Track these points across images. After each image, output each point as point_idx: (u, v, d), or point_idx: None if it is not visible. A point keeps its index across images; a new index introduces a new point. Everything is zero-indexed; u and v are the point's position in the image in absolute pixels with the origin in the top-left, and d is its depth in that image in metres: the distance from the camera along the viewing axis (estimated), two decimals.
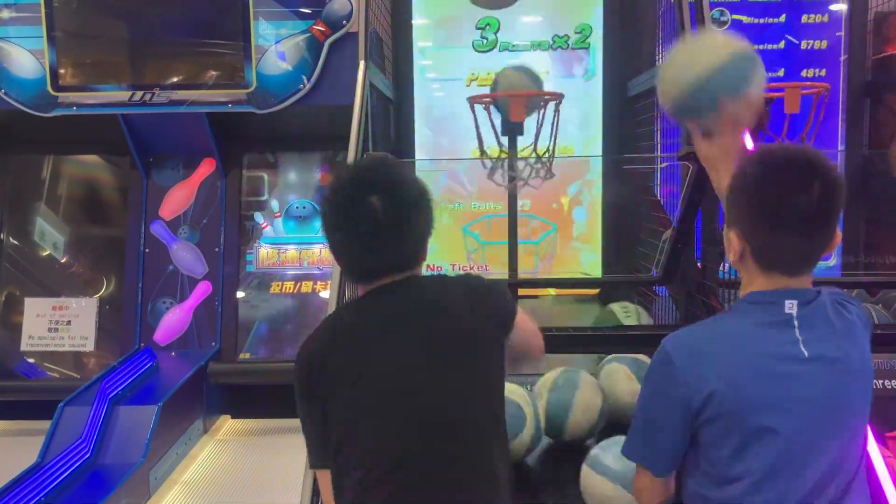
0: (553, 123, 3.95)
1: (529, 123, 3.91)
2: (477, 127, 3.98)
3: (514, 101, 3.81)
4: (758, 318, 1.50)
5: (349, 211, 1.61)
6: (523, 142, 3.99)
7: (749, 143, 3.03)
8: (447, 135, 5.16)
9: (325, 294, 4.69)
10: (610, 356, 2.99)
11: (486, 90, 4.28)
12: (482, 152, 4.03)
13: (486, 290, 1.71)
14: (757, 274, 1.53)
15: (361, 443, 1.59)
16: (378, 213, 1.58)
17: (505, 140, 3.98)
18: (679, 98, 1.84)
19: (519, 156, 3.97)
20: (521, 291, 4.53)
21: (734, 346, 1.50)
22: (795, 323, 1.48)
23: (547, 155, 3.97)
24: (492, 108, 3.95)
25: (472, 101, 4.02)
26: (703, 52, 1.83)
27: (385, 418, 1.58)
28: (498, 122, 3.94)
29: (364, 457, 1.59)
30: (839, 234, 1.52)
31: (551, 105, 3.95)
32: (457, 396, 1.58)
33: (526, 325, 1.77)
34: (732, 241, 1.54)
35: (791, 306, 1.49)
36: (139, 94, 4.49)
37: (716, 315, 1.65)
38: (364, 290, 1.70)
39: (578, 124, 5.12)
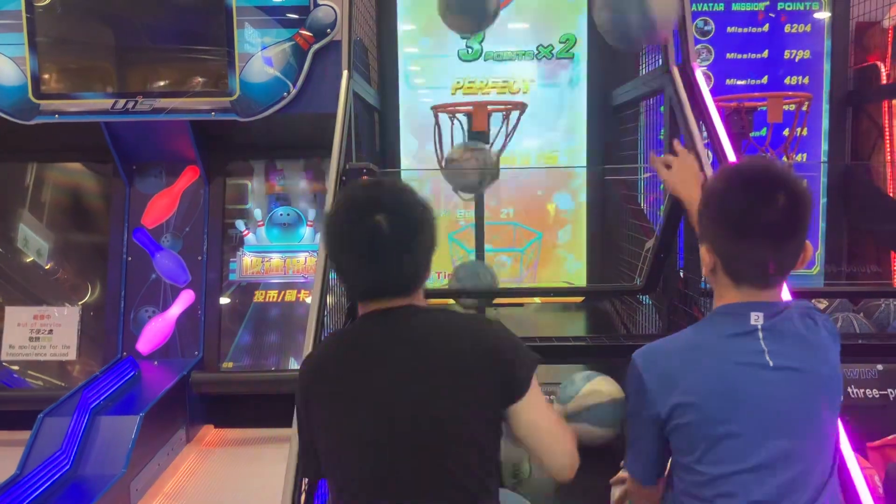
0: (512, 128, 4.08)
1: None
2: (438, 135, 4.07)
3: (478, 111, 3.94)
4: (724, 330, 1.54)
5: (353, 230, 1.61)
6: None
7: (731, 156, 3.05)
8: (432, 143, 5.16)
9: (310, 302, 4.66)
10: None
11: (472, 98, 4.33)
12: (440, 160, 4.09)
13: (499, 342, 1.63)
14: (728, 287, 1.57)
15: (341, 466, 1.60)
16: (382, 233, 1.58)
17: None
18: None
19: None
20: (505, 300, 4.55)
21: (698, 358, 1.54)
22: (760, 335, 1.51)
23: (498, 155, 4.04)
24: (458, 117, 4.09)
25: (437, 110, 4.08)
26: None
27: (362, 444, 1.57)
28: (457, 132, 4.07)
29: (341, 481, 1.60)
30: (810, 246, 1.56)
31: (514, 114, 4.07)
32: (437, 430, 1.55)
33: (543, 411, 1.64)
34: (703, 256, 1.59)
35: (757, 318, 1.52)
36: (122, 101, 4.47)
37: (688, 327, 1.68)
38: (364, 309, 1.69)
39: (563, 133, 5.14)
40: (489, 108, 4.04)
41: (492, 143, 4.06)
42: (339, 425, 1.60)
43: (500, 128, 4.06)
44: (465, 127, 4.07)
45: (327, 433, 1.62)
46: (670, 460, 1.61)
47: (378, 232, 1.57)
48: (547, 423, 1.64)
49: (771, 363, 1.50)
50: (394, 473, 1.55)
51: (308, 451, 1.72)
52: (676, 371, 1.53)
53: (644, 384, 1.55)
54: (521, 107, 4.09)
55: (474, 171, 3.82)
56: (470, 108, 4.04)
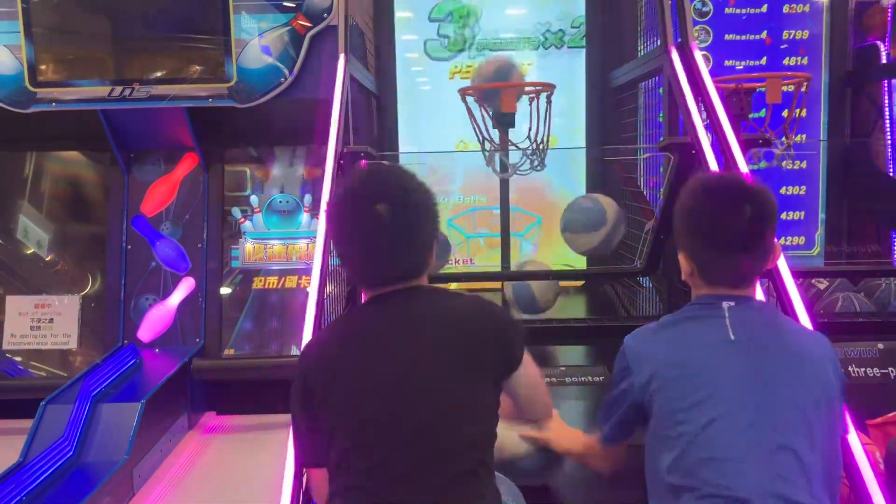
0: (546, 114, 3.97)
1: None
2: (473, 119, 4.00)
3: (506, 93, 3.84)
4: (692, 314, 1.72)
5: (356, 219, 1.62)
6: (513, 133, 4.01)
7: (731, 137, 3.04)
8: (431, 127, 5.15)
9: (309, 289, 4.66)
10: None
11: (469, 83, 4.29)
12: (482, 143, 4.03)
13: (498, 320, 1.71)
14: (705, 289, 1.73)
15: (341, 444, 1.60)
16: (385, 221, 1.58)
17: (495, 133, 4.01)
18: None
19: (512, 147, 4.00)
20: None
21: (669, 339, 1.71)
22: (726, 313, 1.66)
23: (542, 145, 3.99)
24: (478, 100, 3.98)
25: (464, 92, 4.01)
26: None
27: (363, 422, 1.58)
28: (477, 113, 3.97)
29: (342, 459, 1.60)
30: (778, 246, 1.73)
31: (542, 96, 3.97)
32: (442, 407, 1.57)
33: (534, 381, 1.82)
34: (682, 262, 1.77)
35: (728, 306, 1.67)
36: (119, 89, 4.45)
37: (670, 314, 1.83)
38: (368, 294, 1.70)
39: (562, 115, 5.12)
40: (520, 89, 3.96)
41: (534, 133, 3.98)
42: (341, 406, 1.61)
43: (534, 109, 3.95)
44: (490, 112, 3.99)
45: (329, 414, 1.62)
46: (648, 444, 1.70)
47: (380, 221, 1.58)
48: (535, 379, 1.83)
49: (732, 336, 1.63)
50: (396, 450, 1.55)
51: (305, 436, 1.72)
52: (650, 348, 1.70)
53: (627, 362, 1.72)
54: (550, 88, 3.99)
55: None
56: (498, 89, 3.91)
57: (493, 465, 1.67)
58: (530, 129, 3.95)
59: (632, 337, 1.77)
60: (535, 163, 3.98)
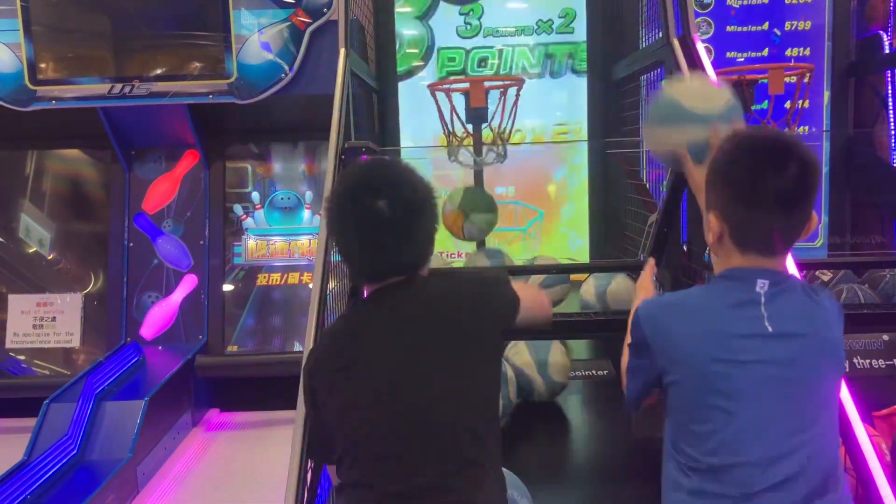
0: (512, 107, 4.03)
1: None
2: (441, 113, 4.05)
3: (475, 88, 3.90)
4: (726, 294, 1.56)
5: (355, 214, 1.61)
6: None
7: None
8: (434, 122, 5.13)
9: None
10: None
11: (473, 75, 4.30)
12: (448, 137, 4.07)
13: (494, 285, 1.74)
14: (735, 255, 1.58)
15: (345, 439, 1.61)
16: (385, 215, 1.57)
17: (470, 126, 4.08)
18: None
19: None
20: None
21: (700, 321, 1.55)
22: (762, 300, 1.52)
23: (505, 136, 4.04)
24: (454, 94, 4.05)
25: (433, 88, 4.05)
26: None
27: (369, 413, 1.58)
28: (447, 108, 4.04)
29: (346, 453, 1.61)
30: (815, 216, 1.57)
31: (512, 90, 4.04)
32: (443, 398, 1.57)
33: (529, 300, 1.81)
34: (711, 223, 1.59)
35: (762, 285, 1.53)
36: (119, 86, 4.44)
37: (695, 287, 1.73)
38: (370, 289, 1.70)
39: (564, 110, 5.11)
40: (486, 84, 4.01)
41: (490, 121, 4.04)
42: (344, 402, 1.61)
43: (497, 106, 4.01)
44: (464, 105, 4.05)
45: (333, 411, 1.62)
46: (666, 437, 1.62)
47: (379, 216, 1.57)
48: (530, 299, 1.81)
49: (770, 329, 1.51)
50: (398, 444, 1.56)
51: (313, 433, 1.73)
52: (676, 328, 1.55)
53: (644, 337, 1.59)
54: (519, 82, 4.05)
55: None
56: (466, 85, 4.00)
57: (499, 457, 1.67)
58: (501, 122, 4.03)
59: (650, 309, 1.63)
60: (501, 154, 4.03)
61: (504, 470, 1.77)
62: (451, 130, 4.07)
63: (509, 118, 4.03)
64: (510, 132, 4.08)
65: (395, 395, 1.57)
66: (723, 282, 1.59)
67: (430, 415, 1.56)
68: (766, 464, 1.46)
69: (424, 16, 5.20)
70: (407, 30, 5.18)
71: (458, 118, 4.05)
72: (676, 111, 2.03)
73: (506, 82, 4.10)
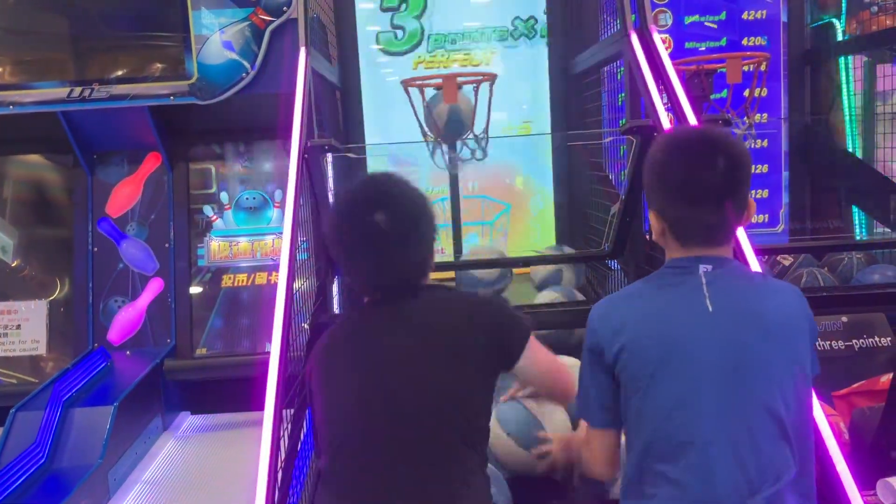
0: (488, 101, 4.00)
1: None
2: (415, 111, 4.03)
3: (447, 84, 3.85)
4: (669, 280, 1.61)
5: (354, 230, 1.64)
6: None
7: (692, 119, 3.07)
8: (398, 118, 5.13)
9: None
10: None
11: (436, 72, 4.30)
12: (424, 135, 4.06)
13: (494, 314, 1.71)
14: (677, 247, 1.63)
15: (334, 431, 1.65)
16: (383, 232, 1.60)
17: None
18: None
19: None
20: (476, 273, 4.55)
21: (642, 306, 1.60)
22: (703, 280, 1.56)
23: (483, 134, 4.02)
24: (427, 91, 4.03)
25: (406, 84, 4.04)
26: None
27: (357, 411, 1.61)
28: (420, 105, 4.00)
29: (333, 445, 1.64)
30: (753, 203, 1.62)
31: (485, 85, 4.00)
32: (434, 402, 1.60)
33: (543, 363, 1.78)
34: (652, 222, 1.66)
35: (705, 269, 1.58)
36: (78, 89, 4.39)
37: (639, 280, 1.76)
38: (369, 299, 1.74)
39: (528, 104, 5.14)
40: (459, 79, 3.97)
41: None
42: (333, 399, 1.65)
43: (475, 99, 3.98)
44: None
45: (323, 408, 1.66)
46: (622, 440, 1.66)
47: (379, 231, 1.60)
48: (546, 366, 1.80)
49: (710, 308, 1.54)
50: (385, 442, 1.59)
51: (312, 427, 1.80)
52: (621, 317, 1.59)
53: (595, 333, 1.62)
54: (492, 77, 4.03)
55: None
56: (439, 80, 3.96)
57: (487, 458, 1.69)
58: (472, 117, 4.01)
59: (598, 307, 1.66)
60: (479, 153, 4.03)
61: (491, 467, 1.80)
62: (425, 130, 4.05)
63: (486, 114, 4.00)
64: (486, 129, 4.05)
65: (384, 395, 1.60)
66: (666, 270, 1.64)
67: (419, 417, 1.59)
68: (705, 448, 1.48)
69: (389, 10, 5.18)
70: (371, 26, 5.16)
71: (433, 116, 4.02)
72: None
73: (478, 77, 4.07)
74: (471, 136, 4.02)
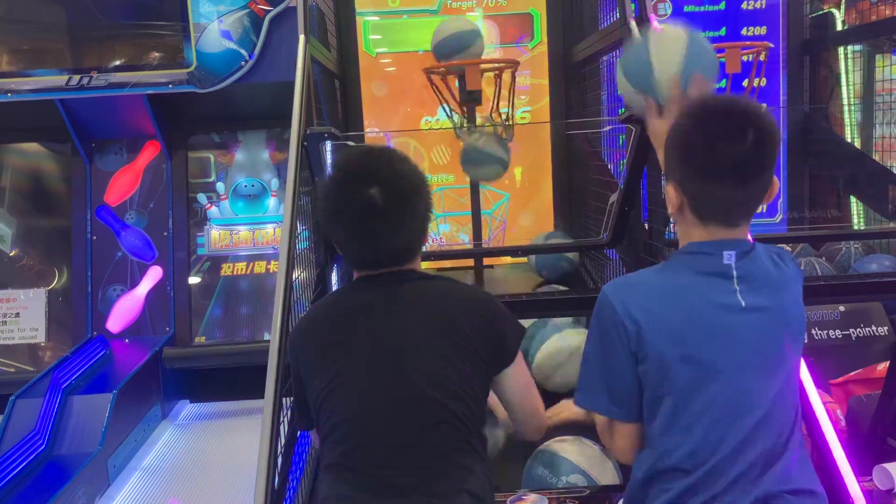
0: (510, 90, 3.97)
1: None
2: (441, 97, 3.99)
3: (470, 71, 3.82)
4: (696, 268, 1.52)
5: (347, 203, 1.60)
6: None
7: None
8: (398, 105, 5.12)
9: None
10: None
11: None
12: (452, 121, 4.03)
13: (494, 311, 1.68)
14: (695, 226, 1.54)
15: (330, 418, 1.62)
16: (377, 205, 1.57)
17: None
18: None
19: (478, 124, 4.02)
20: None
21: (680, 295, 1.50)
22: (734, 273, 1.50)
23: (508, 121, 4.01)
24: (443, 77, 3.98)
25: (428, 72, 4.01)
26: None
27: (359, 392, 1.60)
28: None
29: (331, 432, 1.62)
30: (776, 182, 1.53)
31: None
32: (435, 385, 1.58)
33: (524, 387, 1.74)
34: (670, 194, 1.55)
35: (729, 257, 1.50)
36: (76, 77, 4.38)
37: (658, 265, 1.66)
38: (359, 275, 1.71)
39: (527, 93, 5.12)
40: (482, 66, 3.96)
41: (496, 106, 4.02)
42: (328, 379, 1.63)
43: (497, 86, 3.98)
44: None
45: (324, 384, 1.63)
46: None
47: (372, 204, 1.57)
48: (528, 389, 1.74)
49: (743, 303, 1.48)
50: (381, 425, 1.58)
51: (300, 404, 1.75)
52: (655, 307, 1.49)
53: (618, 317, 1.49)
54: (514, 64, 4.01)
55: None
56: (462, 68, 3.90)
57: (483, 443, 1.68)
58: (495, 104, 3.99)
59: (621, 289, 1.54)
60: (506, 136, 4.01)
61: None
62: (449, 114, 4.04)
63: (509, 102, 3.99)
64: (512, 116, 4.05)
65: (386, 377, 1.59)
66: (687, 257, 1.54)
67: (421, 400, 1.57)
68: (736, 433, 1.46)
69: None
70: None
71: (454, 99, 4.00)
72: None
73: (500, 65, 4.05)
74: (493, 122, 4.00)
